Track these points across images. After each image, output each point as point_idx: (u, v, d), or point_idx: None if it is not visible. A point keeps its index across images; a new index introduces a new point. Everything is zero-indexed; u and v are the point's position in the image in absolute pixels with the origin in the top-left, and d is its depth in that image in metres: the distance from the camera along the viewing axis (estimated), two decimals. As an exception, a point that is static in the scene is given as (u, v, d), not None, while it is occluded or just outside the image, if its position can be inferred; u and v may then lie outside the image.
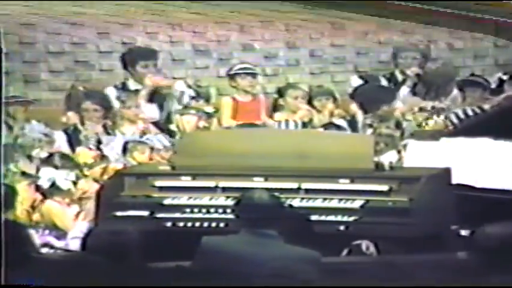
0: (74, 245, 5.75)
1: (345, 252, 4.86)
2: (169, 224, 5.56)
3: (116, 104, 7.42)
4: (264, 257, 4.33)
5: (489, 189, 5.83)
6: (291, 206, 5.34)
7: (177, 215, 5.59)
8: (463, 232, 5.51)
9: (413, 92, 7.92)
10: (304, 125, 7.56)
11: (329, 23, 8.59)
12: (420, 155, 6.05)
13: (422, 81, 7.93)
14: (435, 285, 4.17)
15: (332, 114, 7.66)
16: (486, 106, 7.25)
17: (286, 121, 7.62)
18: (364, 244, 5.05)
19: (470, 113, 7.31)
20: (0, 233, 4.24)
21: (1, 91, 5.12)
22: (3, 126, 6.35)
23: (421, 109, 7.57)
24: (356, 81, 7.82)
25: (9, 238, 4.19)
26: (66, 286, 4.21)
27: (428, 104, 7.60)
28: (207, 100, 7.78)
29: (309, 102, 7.82)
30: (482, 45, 8.69)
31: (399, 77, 8.13)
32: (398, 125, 7.33)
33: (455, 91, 7.87)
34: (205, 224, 5.53)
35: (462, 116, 7.31)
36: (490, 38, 8.65)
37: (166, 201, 5.61)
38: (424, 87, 7.83)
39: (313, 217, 5.37)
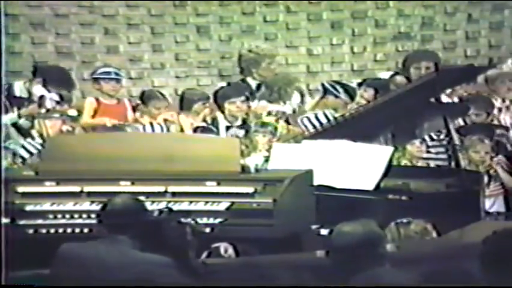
0: None
1: (204, 255, 4.93)
2: (31, 231, 5.55)
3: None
4: (122, 263, 4.37)
5: (347, 189, 6.06)
6: (159, 210, 5.36)
7: (40, 221, 5.57)
8: (323, 231, 5.72)
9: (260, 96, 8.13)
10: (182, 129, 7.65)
11: (194, 27, 8.71)
12: (284, 157, 6.24)
13: (265, 85, 8.14)
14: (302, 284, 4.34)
15: (204, 118, 7.77)
16: (344, 110, 7.51)
17: (151, 124, 7.65)
18: (222, 247, 5.14)
19: (321, 117, 7.54)
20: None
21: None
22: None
23: (269, 113, 7.77)
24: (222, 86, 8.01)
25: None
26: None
27: (274, 108, 7.82)
28: (71, 103, 7.73)
29: (181, 107, 7.93)
30: (339, 52, 9.02)
31: (253, 83, 8.29)
32: (276, 130, 7.45)
33: (297, 95, 8.14)
34: (69, 230, 5.54)
35: (314, 120, 7.55)
36: (348, 44, 9.02)
37: (29, 208, 5.60)
38: (267, 91, 8.03)
39: (180, 220, 5.34)
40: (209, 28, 8.76)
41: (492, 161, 7.28)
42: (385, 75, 8.11)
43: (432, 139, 7.41)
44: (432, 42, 9.05)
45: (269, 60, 8.32)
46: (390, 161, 6.25)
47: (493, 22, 9.26)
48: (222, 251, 5.16)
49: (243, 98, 7.64)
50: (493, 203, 7.19)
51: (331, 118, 7.41)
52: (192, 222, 5.33)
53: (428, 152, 7.40)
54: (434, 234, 5.16)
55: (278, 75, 8.25)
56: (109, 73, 7.87)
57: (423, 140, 7.31)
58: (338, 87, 7.82)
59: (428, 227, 5.14)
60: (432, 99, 6.70)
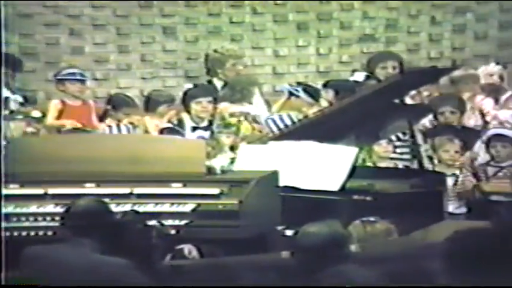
0: None
1: (169, 257, 4.90)
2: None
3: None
4: (85, 266, 4.35)
5: (313, 190, 6.06)
6: (124, 212, 5.26)
7: (3, 224, 5.39)
8: (288, 232, 5.72)
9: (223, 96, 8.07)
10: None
11: (160, 28, 8.67)
12: (250, 158, 6.24)
13: (228, 85, 8.12)
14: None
15: (170, 120, 7.70)
16: (310, 112, 7.49)
17: (118, 126, 7.60)
18: (186, 248, 5.13)
19: (286, 118, 7.54)
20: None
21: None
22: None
23: (232, 115, 7.72)
24: (189, 87, 7.96)
25: None
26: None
27: (237, 109, 7.80)
28: (35, 105, 7.70)
29: (146, 108, 7.88)
30: (305, 53, 9.01)
31: (218, 84, 8.25)
32: (239, 130, 7.46)
33: (259, 97, 8.12)
34: (33, 233, 5.50)
35: (279, 121, 7.53)
36: (314, 46, 9.04)
37: (-8, 210, 5.50)
38: (229, 91, 8.01)
39: (146, 222, 5.29)
40: (175, 29, 8.73)
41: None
42: (359, 77, 8.11)
43: (399, 140, 7.43)
44: (396, 44, 9.08)
45: (234, 61, 8.30)
46: (355, 161, 6.26)
47: (456, 24, 9.32)
48: (186, 252, 5.14)
49: (209, 98, 7.61)
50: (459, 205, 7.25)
51: (295, 120, 7.40)
52: (158, 224, 5.30)
53: (394, 152, 7.41)
54: (396, 234, 5.18)
55: (240, 75, 8.23)
56: (73, 74, 7.79)
57: (390, 140, 7.32)
58: (299, 89, 7.80)
59: (391, 227, 5.16)
60: (397, 101, 6.73)
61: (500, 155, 7.30)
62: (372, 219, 5.14)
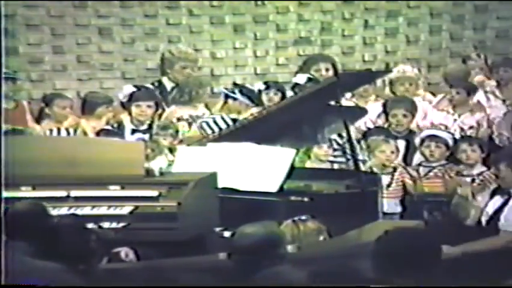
0: None
1: (105, 260, 4.84)
2: None
3: None
4: (19, 270, 4.26)
5: (251, 191, 6.07)
6: (61, 215, 5.24)
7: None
8: (226, 234, 5.71)
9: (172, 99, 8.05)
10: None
11: (96, 29, 8.56)
12: (189, 160, 6.20)
13: (177, 88, 8.06)
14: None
15: (108, 122, 7.64)
16: (248, 113, 7.47)
17: (58, 129, 7.51)
18: (123, 251, 5.07)
19: (220, 121, 7.50)
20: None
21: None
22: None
23: (179, 119, 7.70)
24: (128, 89, 7.83)
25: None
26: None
27: (186, 112, 7.77)
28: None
29: (82, 110, 7.81)
30: (242, 55, 8.97)
31: (168, 85, 8.23)
32: (177, 132, 7.41)
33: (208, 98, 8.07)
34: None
35: (212, 124, 7.49)
36: (251, 48, 9.03)
37: None
38: (178, 93, 7.98)
39: (84, 225, 5.25)
40: (111, 30, 8.61)
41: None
42: (300, 79, 8.13)
43: (336, 142, 7.46)
44: (331, 47, 9.09)
45: (183, 64, 8.25)
46: (293, 163, 6.27)
47: (388, 28, 9.38)
48: (123, 255, 5.08)
49: (149, 102, 7.55)
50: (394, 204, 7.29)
51: (230, 122, 7.37)
52: (95, 227, 5.24)
53: (332, 154, 7.46)
54: (326, 234, 5.22)
55: (190, 77, 8.17)
56: (6, 73, 7.67)
57: (330, 142, 7.36)
58: (236, 91, 7.77)
59: (322, 227, 5.19)
60: (333, 103, 6.74)
61: (434, 155, 7.37)
62: (303, 217, 5.16)
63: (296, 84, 7.99)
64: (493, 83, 8.43)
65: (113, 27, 8.62)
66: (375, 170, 7.22)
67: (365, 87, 7.98)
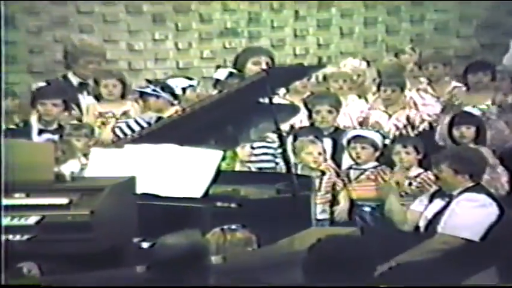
0: None
1: (2, 276, 4.66)
2: None
3: None
4: None
5: (174, 197, 5.94)
6: None
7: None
8: (144, 245, 5.58)
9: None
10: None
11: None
12: (103, 164, 6.06)
13: (93, 82, 7.85)
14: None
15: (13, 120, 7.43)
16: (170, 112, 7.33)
17: None
18: (26, 267, 4.92)
19: (133, 125, 7.34)
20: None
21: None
22: None
23: (100, 114, 7.55)
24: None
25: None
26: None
27: (106, 109, 7.61)
28: None
29: None
30: (163, 48, 8.77)
31: (74, 81, 7.93)
32: (93, 132, 7.25)
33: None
34: None
35: (126, 129, 7.33)
36: (172, 40, 8.77)
37: None
38: (86, 89, 7.80)
39: None
40: (15, 18, 8.40)
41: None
42: (221, 74, 7.95)
43: (264, 142, 7.42)
44: (260, 40, 9.01)
45: (88, 58, 7.95)
46: (220, 165, 6.17)
47: (321, 20, 9.37)
48: (25, 271, 4.92)
49: (55, 100, 7.35)
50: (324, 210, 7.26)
51: (144, 124, 7.23)
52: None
53: (257, 155, 7.41)
54: (255, 244, 5.21)
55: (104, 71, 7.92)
56: None
57: (255, 143, 7.32)
58: (157, 88, 7.59)
59: (251, 237, 5.18)
60: (262, 100, 6.63)
61: (360, 157, 7.36)
62: (233, 227, 5.15)
63: (217, 81, 7.84)
64: (424, 79, 8.49)
65: (16, 15, 8.38)
66: (301, 172, 7.16)
67: (303, 82, 7.96)
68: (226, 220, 5.35)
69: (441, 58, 8.59)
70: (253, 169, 7.28)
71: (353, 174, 7.38)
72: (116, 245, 5.38)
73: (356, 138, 7.38)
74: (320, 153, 7.29)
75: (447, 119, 7.74)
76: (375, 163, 7.37)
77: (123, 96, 7.73)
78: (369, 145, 7.33)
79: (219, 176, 6.12)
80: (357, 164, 7.39)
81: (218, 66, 8.25)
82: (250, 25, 9.11)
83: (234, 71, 7.95)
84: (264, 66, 7.89)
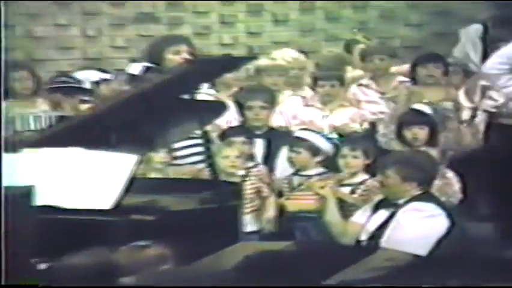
0: None
1: None
2: None
3: None
4: None
5: (80, 209, 5.81)
6: None
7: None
8: (43, 265, 5.33)
9: None
10: None
11: None
12: None
13: None
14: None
15: None
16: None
17: None
18: None
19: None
20: None
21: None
22: None
23: None
24: None
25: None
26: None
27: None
28: None
29: None
30: (67, 35, 8.62)
31: None
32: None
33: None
34: None
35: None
36: (78, 27, 8.59)
37: None
38: None
39: None
40: None
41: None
42: (135, 69, 7.72)
43: (192, 141, 7.31)
44: (181, 26, 8.96)
45: None
46: (134, 172, 6.01)
47: (251, 4, 9.36)
48: None
49: None
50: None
51: (32, 126, 7.16)
52: None
53: (184, 157, 7.35)
54: (171, 261, 5.16)
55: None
56: None
57: (175, 145, 7.25)
58: (64, 82, 7.53)
59: (166, 253, 5.13)
60: (186, 96, 6.54)
61: (293, 162, 7.36)
62: (143, 243, 5.11)
63: (132, 76, 7.62)
64: (367, 73, 8.53)
65: None
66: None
67: (232, 76, 7.94)
68: (142, 235, 5.29)
69: (388, 49, 8.64)
70: (175, 175, 7.23)
71: (295, 181, 7.37)
72: (11, 265, 5.16)
73: (293, 140, 7.35)
74: (237, 157, 7.24)
75: (394, 118, 7.77)
76: (320, 170, 7.33)
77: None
78: (305, 149, 7.28)
79: (133, 184, 5.98)
80: (298, 170, 7.37)
81: (133, 60, 8.05)
82: (170, 9, 8.99)
83: (151, 65, 7.78)
84: (185, 56, 7.63)
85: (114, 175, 5.94)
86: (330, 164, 7.38)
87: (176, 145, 7.31)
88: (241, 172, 7.28)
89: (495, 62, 6.62)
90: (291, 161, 7.35)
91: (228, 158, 7.22)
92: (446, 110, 8.05)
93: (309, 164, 7.29)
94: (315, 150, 7.30)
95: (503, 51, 6.80)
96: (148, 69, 7.65)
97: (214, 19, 9.15)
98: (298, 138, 7.37)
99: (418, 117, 7.47)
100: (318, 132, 7.51)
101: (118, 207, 5.86)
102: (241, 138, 7.43)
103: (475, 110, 7.66)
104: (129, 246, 5.06)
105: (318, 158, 7.31)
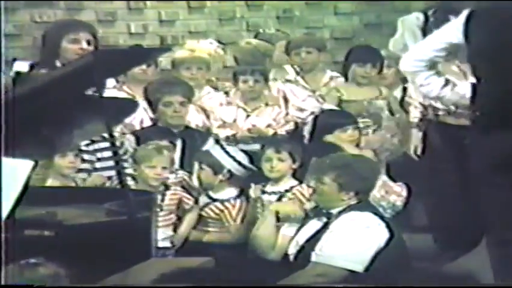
0: None
1: None
2: None
3: None
4: None
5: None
6: None
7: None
8: None
9: None
10: None
11: None
12: None
13: None
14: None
15: None
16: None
17: None
18: None
19: None
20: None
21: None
22: None
23: None
24: None
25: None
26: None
27: None
28: None
29: None
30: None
31: None
32: None
33: None
34: None
35: None
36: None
37: None
38: None
39: None
40: None
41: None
42: (22, 67, 7.42)
43: (94, 150, 7.25)
44: (82, 12, 8.79)
45: None
46: (29, 180, 5.78)
47: None
48: None
49: None
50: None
51: None
52: None
53: (87, 163, 7.24)
54: (67, 280, 4.90)
55: None
56: None
57: (80, 150, 7.14)
58: None
59: (60, 271, 4.91)
60: (90, 93, 6.31)
61: (199, 176, 7.24)
62: (33, 261, 4.91)
63: (18, 74, 7.28)
64: (294, 68, 8.49)
65: None
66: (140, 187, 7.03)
67: (142, 69, 7.81)
68: (38, 253, 4.95)
69: (315, 41, 8.57)
70: (71, 183, 7.11)
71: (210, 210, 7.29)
72: None
73: (202, 154, 7.27)
74: (164, 168, 7.07)
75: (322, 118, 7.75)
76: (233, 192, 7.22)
77: None
78: (208, 166, 7.17)
79: (28, 193, 5.75)
80: (205, 189, 7.27)
81: (14, 60, 7.70)
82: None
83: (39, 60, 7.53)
84: (84, 46, 7.43)
85: (4, 183, 5.68)
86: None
87: (84, 148, 7.18)
88: (166, 181, 7.17)
89: (410, 59, 6.44)
90: (197, 177, 7.23)
91: (154, 168, 7.04)
92: (379, 108, 8.06)
93: (213, 182, 7.15)
94: (217, 169, 7.15)
95: (419, 48, 6.61)
96: (33, 67, 7.40)
97: (120, 5, 8.98)
98: (206, 152, 7.24)
99: (346, 118, 7.60)
100: (235, 150, 7.32)
101: (9, 219, 5.62)
102: (165, 142, 7.26)
103: (425, 108, 7.51)
104: (18, 265, 4.86)
105: (221, 177, 7.15)
